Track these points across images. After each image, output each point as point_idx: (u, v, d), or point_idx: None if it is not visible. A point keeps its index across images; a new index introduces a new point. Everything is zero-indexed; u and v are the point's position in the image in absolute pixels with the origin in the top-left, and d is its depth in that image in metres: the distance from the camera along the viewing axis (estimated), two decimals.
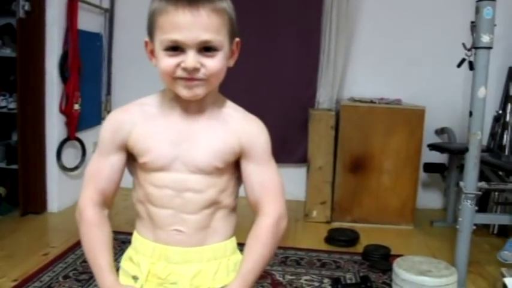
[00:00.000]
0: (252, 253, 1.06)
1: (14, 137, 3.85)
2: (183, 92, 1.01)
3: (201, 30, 0.97)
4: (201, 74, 1.00)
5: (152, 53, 1.04)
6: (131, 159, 1.10)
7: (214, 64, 1.00)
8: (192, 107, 1.07)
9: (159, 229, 1.08)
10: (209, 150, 1.05)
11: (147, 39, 1.05)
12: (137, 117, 1.07)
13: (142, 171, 1.08)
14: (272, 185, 1.10)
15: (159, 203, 1.07)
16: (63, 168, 3.51)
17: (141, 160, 1.06)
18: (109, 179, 1.09)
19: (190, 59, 0.97)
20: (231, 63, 1.08)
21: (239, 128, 1.08)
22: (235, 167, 1.10)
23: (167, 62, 0.99)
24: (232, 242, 1.14)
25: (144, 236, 1.11)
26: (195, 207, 1.06)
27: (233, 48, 1.07)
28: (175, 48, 0.98)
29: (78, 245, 2.82)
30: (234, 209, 1.14)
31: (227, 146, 1.06)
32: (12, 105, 3.62)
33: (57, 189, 3.50)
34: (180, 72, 0.99)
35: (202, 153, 1.05)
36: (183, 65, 0.98)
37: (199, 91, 1.02)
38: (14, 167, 3.47)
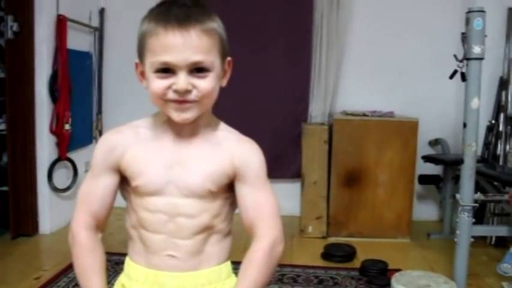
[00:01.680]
0: (245, 279, 1.03)
1: (4, 159, 3.80)
2: (174, 115, 1.00)
3: (192, 51, 0.95)
4: (193, 96, 0.98)
5: (143, 74, 1.03)
6: (124, 184, 1.08)
7: (206, 85, 0.99)
8: (185, 130, 1.05)
9: (152, 254, 1.06)
10: (202, 173, 1.03)
11: (137, 60, 1.04)
12: (131, 139, 1.06)
13: (135, 195, 1.06)
14: (267, 208, 1.07)
15: (152, 228, 1.05)
16: (55, 189, 3.46)
17: (134, 183, 1.04)
18: (101, 202, 1.07)
19: (181, 80, 0.96)
20: (224, 82, 1.07)
21: (232, 149, 1.06)
22: (229, 191, 1.08)
23: (158, 84, 0.98)
24: (227, 266, 1.12)
25: (136, 262, 1.08)
26: (188, 232, 1.04)
27: (225, 67, 1.06)
28: (166, 70, 0.97)
29: (71, 267, 2.76)
30: (228, 234, 1.11)
31: (220, 169, 1.04)
32: (2, 127, 3.58)
33: (49, 210, 3.44)
34: (171, 95, 0.98)
35: (195, 176, 1.03)
36: (174, 87, 0.97)
37: (191, 114, 1.00)
38: (5, 188, 3.42)
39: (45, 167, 3.40)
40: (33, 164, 3.37)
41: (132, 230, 1.09)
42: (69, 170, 3.63)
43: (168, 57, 0.95)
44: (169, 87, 0.97)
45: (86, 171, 3.70)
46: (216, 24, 1.01)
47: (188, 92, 0.97)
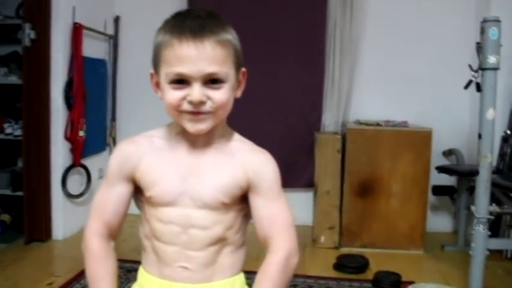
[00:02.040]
0: None
1: (20, 164, 3.84)
2: (189, 126, 1.00)
3: (206, 62, 0.96)
4: (207, 107, 0.98)
5: (158, 85, 1.04)
6: (139, 194, 1.09)
7: (221, 96, 0.99)
8: (199, 141, 1.05)
9: (164, 265, 1.06)
10: (215, 185, 1.03)
11: (152, 71, 1.04)
12: (145, 149, 1.07)
13: (149, 206, 1.06)
14: (282, 220, 1.06)
15: (165, 239, 1.05)
16: (68, 195, 3.48)
17: (148, 194, 1.05)
18: (114, 211, 1.08)
19: (196, 92, 0.96)
20: (239, 93, 1.07)
21: (246, 161, 1.06)
22: (242, 203, 1.07)
23: (173, 95, 0.98)
24: (241, 277, 1.11)
25: (150, 272, 1.09)
26: (201, 244, 1.04)
27: (240, 78, 1.06)
28: (181, 81, 0.97)
29: (83, 273, 2.77)
30: (241, 245, 1.11)
31: (233, 181, 1.04)
32: (18, 132, 3.63)
33: (63, 216, 3.46)
34: (186, 106, 0.98)
35: (208, 188, 1.03)
36: (188, 98, 0.97)
37: (206, 125, 1.00)
38: (20, 193, 3.45)
39: (60, 173, 3.42)
40: (48, 170, 3.40)
41: (145, 240, 1.09)
42: (83, 176, 3.65)
43: (183, 69, 0.95)
44: (183, 98, 0.97)
45: (100, 177, 3.73)
46: (231, 36, 1.01)
47: (203, 103, 0.97)
